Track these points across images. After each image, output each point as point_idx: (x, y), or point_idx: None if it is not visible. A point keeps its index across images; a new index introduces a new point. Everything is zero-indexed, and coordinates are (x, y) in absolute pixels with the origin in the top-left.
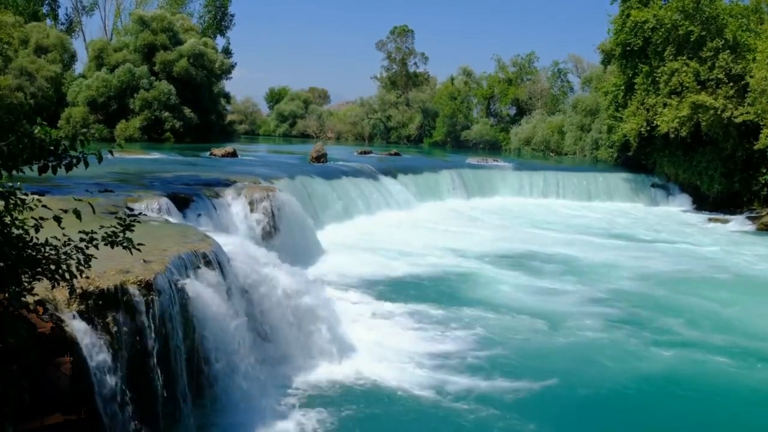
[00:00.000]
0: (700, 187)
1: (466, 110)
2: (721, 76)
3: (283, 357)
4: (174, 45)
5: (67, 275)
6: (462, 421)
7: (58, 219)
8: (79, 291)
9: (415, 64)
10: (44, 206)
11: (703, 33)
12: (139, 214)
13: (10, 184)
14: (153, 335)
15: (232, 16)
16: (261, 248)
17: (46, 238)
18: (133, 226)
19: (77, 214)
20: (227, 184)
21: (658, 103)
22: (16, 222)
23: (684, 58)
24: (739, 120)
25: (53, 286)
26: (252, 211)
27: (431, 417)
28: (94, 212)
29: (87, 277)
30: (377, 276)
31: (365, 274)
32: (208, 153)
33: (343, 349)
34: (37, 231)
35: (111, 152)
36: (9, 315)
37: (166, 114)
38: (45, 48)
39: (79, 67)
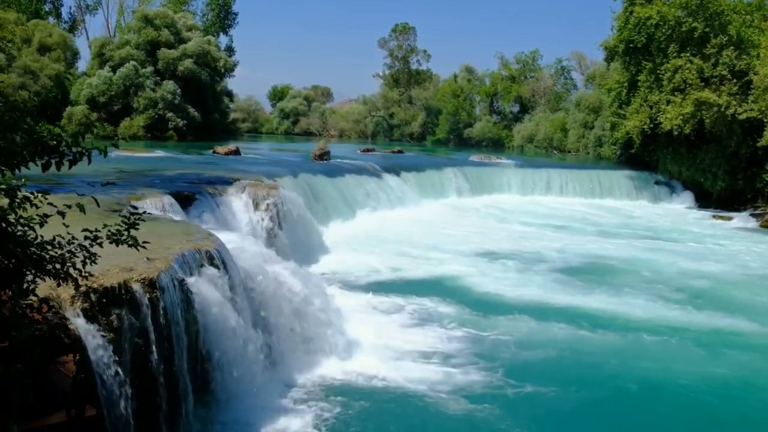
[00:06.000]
0: (703, 185)
1: (469, 108)
2: (724, 72)
3: (286, 354)
4: (177, 43)
5: (72, 274)
6: (465, 419)
7: (62, 214)
8: (82, 289)
9: (417, 61)
10: (50, 204)
11: (707, 30)
12: (143, 212)
13: (14, 181)
14: (156, 333)
15: (236, 14)
16: (264, 246)
17: (53, 236)
18: (138, 224)
19: (81, 208)
20: (230, 182)
21: (661, 100)
22: (21, 220)
23: (687, 54)
24: (742, 117)
25: (58, 285)
26: (255, 209)
27: (435, 415)
28: (98, 205)
29: (91, 275)
30: (380, 274)
31: (369, 272)
32: (211, 151)
33: (347, 346)
34: (41, 226)
35: (116, 145)
36: (13, 313)
37: (170, 113)
38: (48, 46)
39: (82, 66)
